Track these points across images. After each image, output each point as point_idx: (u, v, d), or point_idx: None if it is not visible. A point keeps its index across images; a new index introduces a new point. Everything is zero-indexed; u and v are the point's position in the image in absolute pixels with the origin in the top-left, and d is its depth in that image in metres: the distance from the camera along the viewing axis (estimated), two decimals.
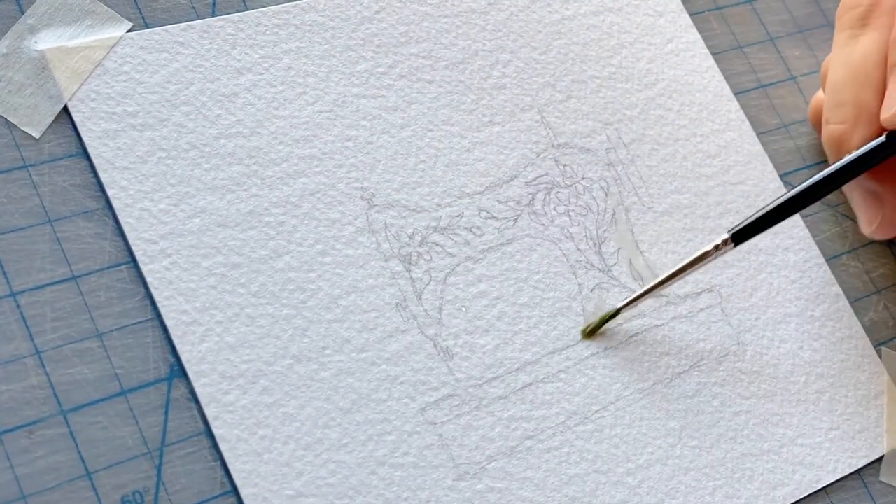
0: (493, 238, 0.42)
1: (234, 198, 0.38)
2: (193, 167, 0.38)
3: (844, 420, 0.44)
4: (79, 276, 0.36)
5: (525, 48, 0.45)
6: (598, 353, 0.41)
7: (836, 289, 0.46)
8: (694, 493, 0.41)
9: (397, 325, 0.39)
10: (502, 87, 0.44)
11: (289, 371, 0.37)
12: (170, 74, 0.39)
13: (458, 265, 0.41)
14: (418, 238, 0.41)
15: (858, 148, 0.42)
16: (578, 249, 0.43)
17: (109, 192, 0.37)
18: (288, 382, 0.37)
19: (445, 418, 0.38)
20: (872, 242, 0.48)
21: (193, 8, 0.41)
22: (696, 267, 0.41)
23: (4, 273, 0.35)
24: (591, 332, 0.41)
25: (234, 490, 0.35)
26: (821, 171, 0.43)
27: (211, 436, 0.36)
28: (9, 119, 0.37)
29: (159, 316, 0.36)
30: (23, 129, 0.37)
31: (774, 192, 0.47)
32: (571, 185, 0.44)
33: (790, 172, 0.48)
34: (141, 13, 0.40)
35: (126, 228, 0.37)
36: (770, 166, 0.47)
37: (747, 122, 0.48)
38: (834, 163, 0.43)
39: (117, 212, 0.37)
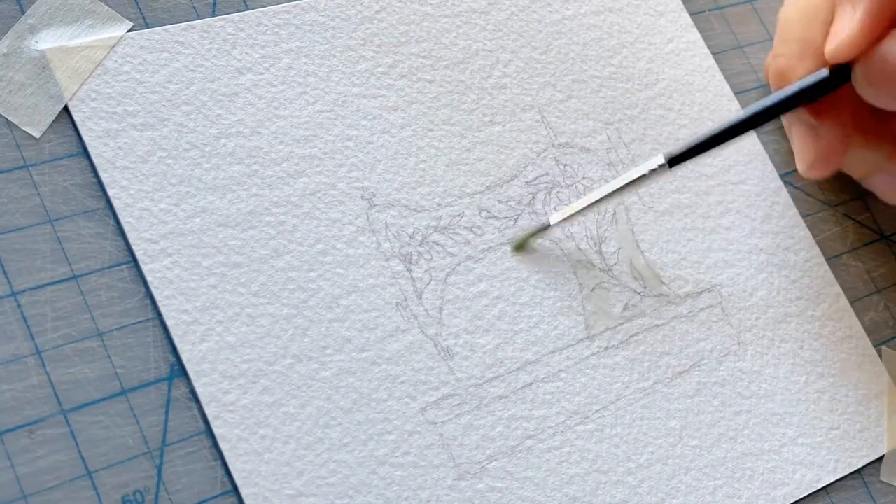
0: (493, 237, 0.42)
1: (234, 197, 0.38)
2: (194, 167, 0.38)
3: (845, 420, 0.44)
4: (79, 276, 0.36)
5: (525, 48, 0.45)
6: (598, 352, 0.41)
7: (837, 288, 0.46)
8: (694, 493, 0.41)
9: (398, 324, 0.39)
10: (503, 86, 0.44)
11: (289, 370, 0.37)
12: (170, 74, 0.39)
13: (458, 265, 0.41)
14: (419, 237, 0.41)
15: None
16: (579, 249, 0.43)
17: (110, 192, 0.37)
18: (288, 382, 0.37)
19: (446, 418, 0.38)
20: (873, 242, 0.48)
21: (194, 8, 0.41)
22: (630, 188, 0.40)
23: (5, 272, 0.35)
24: (520, 247, 0.41)
25: (235, 489, 0.35)
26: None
27: (211, 435, 0.36)
28: (9, 119, 0.37)
29: (160, 315, 0.36)
30: (23, 128, 0.37)
31: (775, 191, 0.47)
32: (572, 185, 0.44)
33: (790, 172, 0.48)
34: (141, 13, 0.40)
35: (126, 228, 0.37)
36: (770, 166, 0.47)
37: None
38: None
39: (118, 211, 0.37)
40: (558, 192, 0.43)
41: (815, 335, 0.45)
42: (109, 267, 0.37)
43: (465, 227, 0.41)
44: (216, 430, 0.36)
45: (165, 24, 0.40)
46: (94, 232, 0.37)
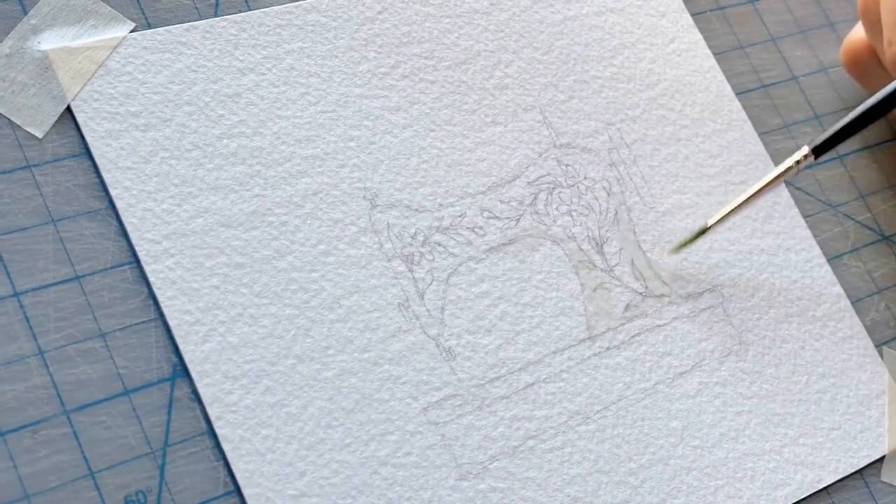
0: (495, 238, 0.42)
1: (236, 198, 0.39)
2: (196, 167, 0.38)
3: (846, 420, 0.44)
4: (82, 277, 0.36)
5: (527, 48, 0.45)
6: (600, 352, 0.41)
7: (838, 289, 0.46)
8: (696, 493, 0.41)
9: (400, 325, 0.39)
10: (504, 87, 0.44)
11: (291, 371, 0.37)
12: (172, 75, 0.39)
13: (460, 265, 0.41)
14: (420, 238, 0.41)
15: None
16: (581, 249, 0.43)
17: (112, 193, 0.37)
18: (291, 382, 0.37)
19: (448, 418, 0.38)
20: (874, 242, 0.48)
21: (196, 8, 0.41)
22: (778, 181, 0.43)
23: (8, 273, 0.35)
24: (680, 247, 0.43)
25: (237, 490, 0.35)
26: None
27: (214, 436, 0.36)
28: (12, 119, 0.37)
29: (162, 316, 0.36)
30: (26, 129, 0.37)
31: (776, 192, 0.47)
32: (574, 186, 0.44)
33: None
34: (144, 13, 0.40)
35: (129, 228, 0.37)
36: (772, 166, 0.47)
37: (749, 123, 0.48)
38: None
39: (120, 212, 0.37)
40: (560, 192, 0.43)
41: (816, 335, 0.45)
42: (112, 267, 0.37)
43: (467, 228, 0.41)
44: (218, 431, 0.36)
45: (168, 25, 0.40)
46: (97, 232, 0.37)
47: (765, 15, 0.51)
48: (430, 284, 0.40)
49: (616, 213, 0.44)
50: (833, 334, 0.45)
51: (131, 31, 0.39)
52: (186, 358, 0.36)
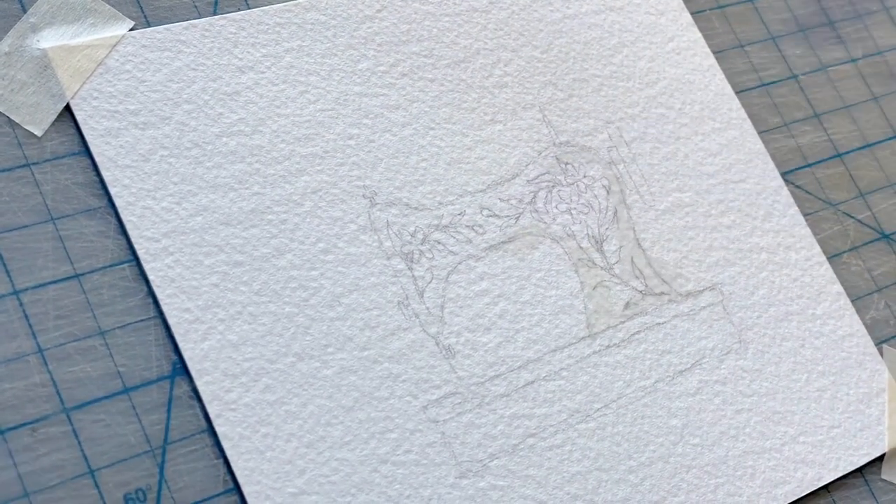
0: (494, 236, 0.42)
1: (236, 196, 0.39)
2: (195, 165, 0.38)
3: (846, 418, 0.44)
4: (81, 275, 0.36)
5: (526, 47, 0.45)
6: (600, 350, 0.41)
7: (838, 287, 0.46)
8: (696, 491, 0.41)
9: (399, 323, 0.39)
10: (504, 85, 0.44)
11: (291, 369, 0.37)
12: (172, 73, 0.39)
13: (459, 263, 0.41)
14: (420, 236, 0.41)
15: None
16: (580, 247, 0.43)
17: (112, 191, 0.37)
18: (290, 380, 0.37)
19: (447, 416, 0.38)
20: (874, 241, 0.48)
21: (195, 6, 0.41)
22: None
23: (7, 271, 0.35)
24: None
25: (237, 488, 0.35)
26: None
27: (213, 434, 0.36)
28: (11, 117, 0.37)
29: (161, 314, 0.36)
30: (25, 127, 0.37)
31: (776, 190, 0.47)
32: (573, 184, 0.44)
33: (791, 171, 0.48)
34: (143, 12, 0.40)
35: (128, 226, 0.37)
36: (771, 164, 0.47)
37: (748, 121, 0.48)
38: None
39: (119, 210, 0.37)
40: (559, 190, 0.43)
41: (816, 333, 0.45)
42: (111, 265, 0.37)
43: (467, 226, 0.41)
44: (218, 429, 0.36)
45: (167, 23, 0.40)
46: (96, 230, 0.37)
47: (764, 13, 0.51)
48: (429, 282, 0.40)
49: (615, 212, 0.44)
50: (833, 332, 0.45)
51: (130, 30, 0.39)
52: (186, 356, 0.36)
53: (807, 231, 0.47)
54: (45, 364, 0.35)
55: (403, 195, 0.41)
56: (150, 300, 0.37)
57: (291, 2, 0.42)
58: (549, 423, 0.40)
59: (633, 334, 0.42)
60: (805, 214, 0.47)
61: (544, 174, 0.43)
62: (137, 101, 0.38)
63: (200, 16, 0.41)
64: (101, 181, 0.37)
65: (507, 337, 0.40)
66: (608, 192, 0.44)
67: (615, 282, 0.43)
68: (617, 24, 0.47)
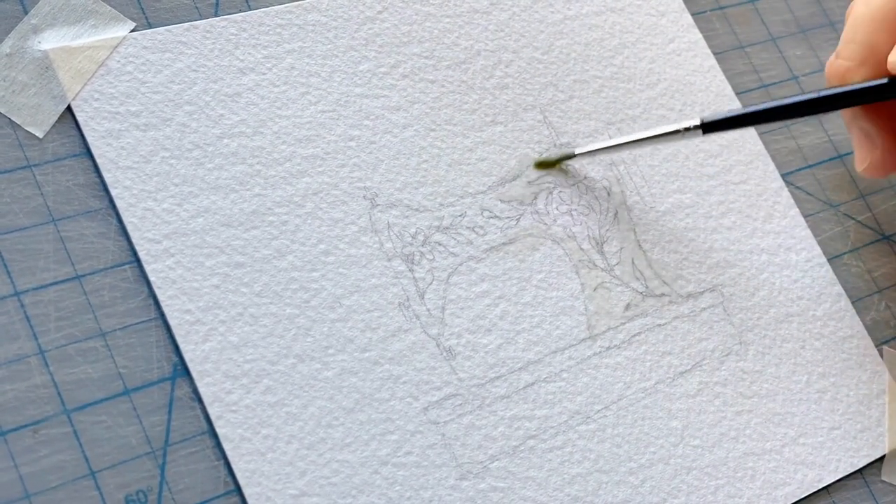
0: (495, 237, 0.42)
1: (237, 197, 0.39)
2: (197, 167, 0.38)
3: (846, 419, 0.44)
4: (82, 276, 0.36)
5: (527, 48, 0.45)
6: (600, 352, 0.41)
7: (838, 288, 0.46)
8: (696, 493, 0.41)
9: (400, 324, 0.39)
10: (504, 86, 0.44)
11: (292, 370, 0.37)
12: (173, 74, 0.39)
13: (460, 265, 0.41)
14: (421, 237, 0.41)
15: None
16: (581, 249, 0.43)
17: (113, 192, 0.37)
18: (291, 382, 0.37)
19: (448, 418, 0.38)
20: (874, 242, 0.48)
21: (196, 8, 0.41)
22: (658, 141, 0.42)
23: (8, 272, 0.35)
24: (544, 165, 0.43)
25: (238, 489, 0.35)
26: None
27: (214, 435, 0.36)
28: (12, 119, 0.37)
29: (163, 315, 0.36)
30: (26, 128, 0.37)
31: (776, 191, 0.47)
32: (574, 185, 0.44)
33: (792, 172, 0.48)
34: (144, 13, 0.40)
35: (129, 228, 0.37)
36: (772, 166, 0.47)
37: None
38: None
39: (121, 211, 0.37)
40: (560, 191, 0.44)
41: (816, 335, 0.45)
42: (112, 267, 0.37)
43: (468, 227, 0.42)
44: (219, 430, 0.36)
45: (168, 25, 0.40)
46: (97, 232, 0.37)
47: (765, 14, 0.51)
48: (430, 284, 0.40)
49: (616, 213, 0.44)
50: (833, 334, 0.45)
51: (132, 31, 0.39)
52: (187, 357, 0.36)
53: (807, 232, 0.47)
54: (46, 365, 0.35)
55: (404, 196, 0.41)
56: (151, 301, 0.37)
57: (292, 3, 0.42)
58: (549, 424, 0.40)
59: (633, 336, 0.42)
60: (806, 215, 0.47)
61: (545, 175, 0.44)
62: (138, 102, 0.38)
63: (202, 17, 0.41)
64: (103, 182, 0.37)
65: (508, 338, 0.40)
66: (609, 194, 0.44)
67: (616, 283, 0.43)
68: (618, 26, 0.47)
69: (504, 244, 0.42)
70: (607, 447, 0.40)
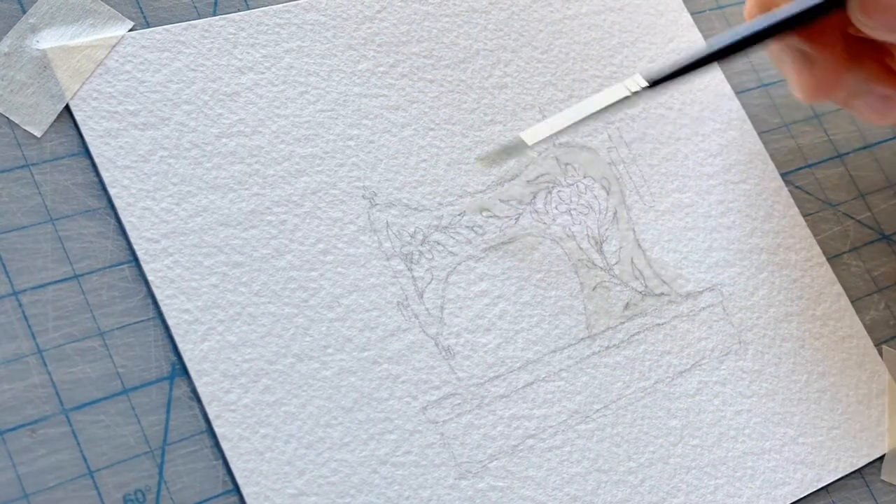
0: (494, 237, 0.42)
1: (235, 197, 0.38)
2: (195, 166, 0.38)
3: (846, 419, 0.44)
4: (80, 275, 0.36)
5: (526, 47, 0.45)
6: (599, 351, 0.41)
7: (838, 287, 0.46)
8: (695, 492, 0.41)
9: (399, 323, 0.39)
10: (504, 86, 0.44)
11: (290, 370, 0.37)
12: (171, 73, 0.39)
13: (459, 264, 0.41)
14: (420, 237, 0.41)
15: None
16: (580, 248, 0.43)
17: (111, 191, 0.37)
18: (290, 381, 0.37)
19: (447, 417, 0.38)
20: (874, 241, 0.48)
21: (195, 7, 0.41)
22: (609, 110, 0.40)
23: (6, 272, 0.35)
24: (487, 160, 0.42)
25: (236, 489, 0.35)
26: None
27: (213, 434, 0.36)
28: (10, 118, 0.37)
29: (161, 315, 0.36)
30: (24, 128, 0.37)
31: (776, 191, 0.47)
32: (573, 184, 0.44)
33: (791, 171, 0.48)
34: (142, 12, 0.40)
35: (128, 227, 0.37)
36: (771, 165, 0.47)
37: (748, 121, 0.48)
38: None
39: (119, 211, 0.37)
40: (559, 191, 0.43)
41: (815, 334, 0.45)
42: (111, 266, 0.37)
43: (467, 227, 0.41)
44: (217, 430, 0.36)
45: (166, 24, 0.40)
46: (96, 231, 0.37)
47: None
48: (429, 283, 0.40)
49: (615, 212, 0.44)
50: (833, 333, 0.45)
51: (130, 30, 0.39)
52: (185, 357, 0.36)
53: (807, 232, 0.47)
54: (45, 365, 0.35)
55: (403, 196, 0.41)
56: (150, 301, 0.37)
57: (291, 2, 0.42)
58: (548, 424, 0.40)
59: (632, 335, 0.42)
60: (805, 215, 0.47)
61: (544, 175, 0.43)
62: (137, 101, 0.38)
63: (200, 16, 0.41)
64: (101, 182, 0.37)
65: (507, 338, 0.40)
66: (608, 193, 0.44)
67: (615, 282, 0.43)
68: (617, 25, 0.47)
69: (503, 243, 0.42)
70: (606, 446, 0.40)
